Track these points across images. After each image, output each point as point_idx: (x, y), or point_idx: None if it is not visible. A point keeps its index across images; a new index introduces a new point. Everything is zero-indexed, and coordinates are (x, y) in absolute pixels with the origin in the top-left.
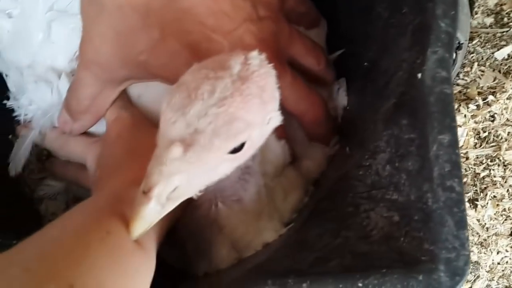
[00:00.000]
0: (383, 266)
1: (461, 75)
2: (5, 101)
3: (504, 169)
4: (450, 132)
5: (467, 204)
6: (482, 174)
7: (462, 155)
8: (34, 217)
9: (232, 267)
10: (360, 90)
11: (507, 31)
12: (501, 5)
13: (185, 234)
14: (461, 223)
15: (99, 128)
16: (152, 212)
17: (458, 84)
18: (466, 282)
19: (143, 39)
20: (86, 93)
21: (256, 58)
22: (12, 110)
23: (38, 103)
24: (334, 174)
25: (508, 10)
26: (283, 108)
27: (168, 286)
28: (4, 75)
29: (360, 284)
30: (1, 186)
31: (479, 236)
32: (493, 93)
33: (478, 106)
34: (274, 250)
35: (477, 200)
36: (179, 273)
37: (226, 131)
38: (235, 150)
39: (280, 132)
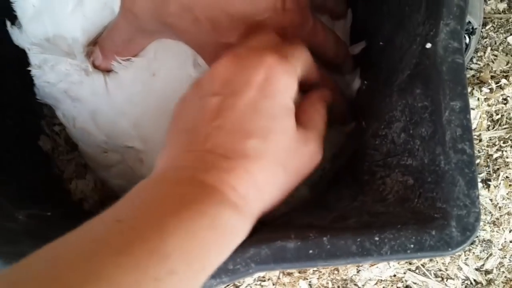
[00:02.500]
0: (398, 223)
1: (474, 60)
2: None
3: None
4: (461, 98)
5: (480, 185)
6: (495, 156)
7: (475, 137)
8: (64, 193)
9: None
10: (376, 68)
11: None
12: None
13: None
14: (472, 183)
15: None
16: None
17: (471, 68)
18: (479, 260)
19: (174, 4)
20: (120, 36)
21: None
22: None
23: (60, 76)
24: (351, 148)
25: None
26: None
27: None
28: (26, 50)
29: (376, 238)
30: (34, 165)
31: (491, 215)
32: (506, 77)
33: (491, 89)
34: (294, 210)
35: (490, 181)
36: None
37: None
38: None
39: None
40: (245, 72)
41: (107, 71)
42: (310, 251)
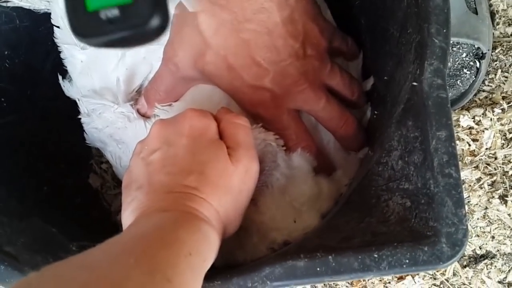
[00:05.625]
0: (395, 241)
1: (486, 82)
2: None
3: None
4: (446, 128)
5: (498, 201)
6: (511, 172)
7: (491, 155)
8: (113, 225)
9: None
10: (383, 101)
11: None
12: None
13: None
14: (459, 203)
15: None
16: None
17: (484, 90)
18: (501, 273)
19: (210, 54)
20: (163, 85)
21: None
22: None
23: (106, 122)
24: (362, 173)
25: None
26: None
27: None
28: (76, 100)
29: (375, 255)
30: (85, 201)
31: (511, 229)
32: None
33: (503, 109)
34: (308, 234)
35: (507, 196)
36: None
37: None
38: None
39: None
40: (175, 127)
41: (149, 117)
42: (318, 269)
